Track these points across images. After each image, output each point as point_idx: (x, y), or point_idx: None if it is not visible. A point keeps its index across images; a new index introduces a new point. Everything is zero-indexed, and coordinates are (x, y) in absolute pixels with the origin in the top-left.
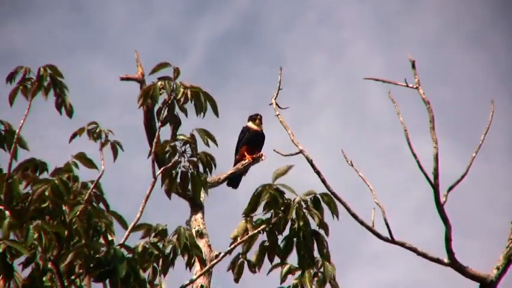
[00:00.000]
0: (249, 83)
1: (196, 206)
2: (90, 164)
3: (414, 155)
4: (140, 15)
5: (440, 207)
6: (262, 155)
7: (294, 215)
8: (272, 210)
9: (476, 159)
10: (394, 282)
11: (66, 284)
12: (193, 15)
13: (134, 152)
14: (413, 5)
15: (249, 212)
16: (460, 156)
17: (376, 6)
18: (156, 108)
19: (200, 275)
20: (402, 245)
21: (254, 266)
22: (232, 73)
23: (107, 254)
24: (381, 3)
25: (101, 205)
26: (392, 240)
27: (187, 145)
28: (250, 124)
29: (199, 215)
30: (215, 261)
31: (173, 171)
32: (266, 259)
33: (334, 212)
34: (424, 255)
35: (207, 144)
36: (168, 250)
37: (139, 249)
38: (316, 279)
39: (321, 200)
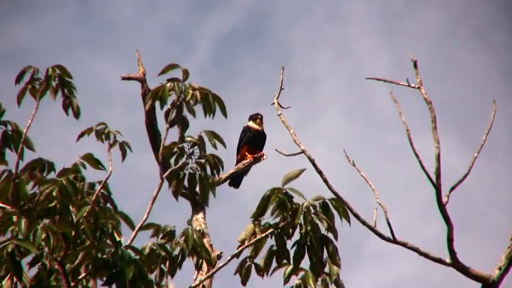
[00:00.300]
0: (254, 80)
1: (198, 206)
2: (97, 164)
3: (416, 154)
4: (146, 12)
5: (442, 207)
6: (263, 154)
7: (301, 220)
8: (280, 215)
9: (480, 158)
10: (398, 282)
11: (72, 284)
12: (199, 13)
13: (139, 150)
14: (418, 2)
15: (257, 216)
16: (466, 155)
17: (382, 3)
18: (157, 108)
19: (208, 277)
20: (404, 245)
21: (262, 270)
22: (238, 70)
23: (114, 255)
24: (387, 0)
25: (109, 205)
26: (394, 240)
27: (195, 147)
28: (251, 124)
29: (200, 215)
30: (222, 264)
31: (180, 173)
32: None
33: (345, 216)
34: (426, 255)
35: (215, 146)
36: (176, 252)
37: (147, 250)
38: (320, 279)
39: (330, 204)
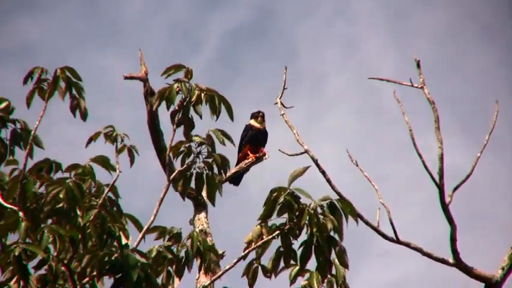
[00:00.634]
0: (261, 77)
1: (200, 205)
2: (107, 166)
3: (419, 155)
4: (152, 9)
5: (445, 207)
6: (265, 153)
7: (307, 221)
8: (287, 215)
9: (484, 157)
10: (401, 282)
11: (78, 287)
12: (205, 10)
13: (145, 146)
14: (426, 0)
15: (264, 218)
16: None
17: (390, 1)
18: (160, 108)
19: (215, 279)
20: (407, 245)
21: (269, 272)
22: (245, 67)
23: (120, 258)
24: None
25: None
26: (397, 241)
27: (202, 146)
28: (253, 122)
29: (202, 214)
30: (228, 266)
31: (187, 173)
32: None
33: (352, 216)
34: (429, 256)
35: (223, 143)
36: (182, 254)
37: (154, 253)
38: (326, 280)
39: (337, 205)
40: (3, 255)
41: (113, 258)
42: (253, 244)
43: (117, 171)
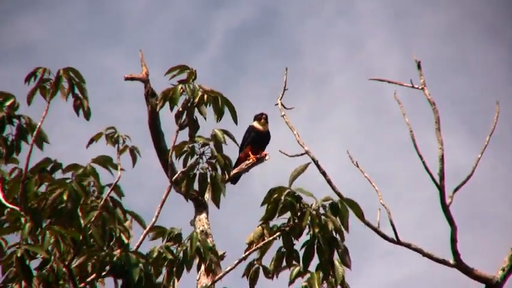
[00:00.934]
0: (265, 76)
1: (201, 206)
2: (109, 166)
3: (420, 156)
4: (157, 7)
5: (445, 208)
6: (266, 154)
7: (308, 222)
8: (289, 215)
9: (485, 158)
10: (402, 282)
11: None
12: (210, 8)
13: (148, 144)
14: None
15: (266, 219)
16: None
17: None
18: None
19: (217, 280)
20: (408, 246)
21: (272, 273)
22: (249, 65)
23: (121, 258)
24: None
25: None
26: (398, 242)
27: (205, 147)
28: (256, 124)
29: (203, 215)
30: (229, 268)
31: (190, 174)
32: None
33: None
34: (430, 257)
35: (224, 142)
36: (181, 254)
37: (155, 254)
38: (326, 281)
39: (339, 206)
40: (6, 256)
41: (114, 259)
42: (254, 245)
43: (119, 172)
